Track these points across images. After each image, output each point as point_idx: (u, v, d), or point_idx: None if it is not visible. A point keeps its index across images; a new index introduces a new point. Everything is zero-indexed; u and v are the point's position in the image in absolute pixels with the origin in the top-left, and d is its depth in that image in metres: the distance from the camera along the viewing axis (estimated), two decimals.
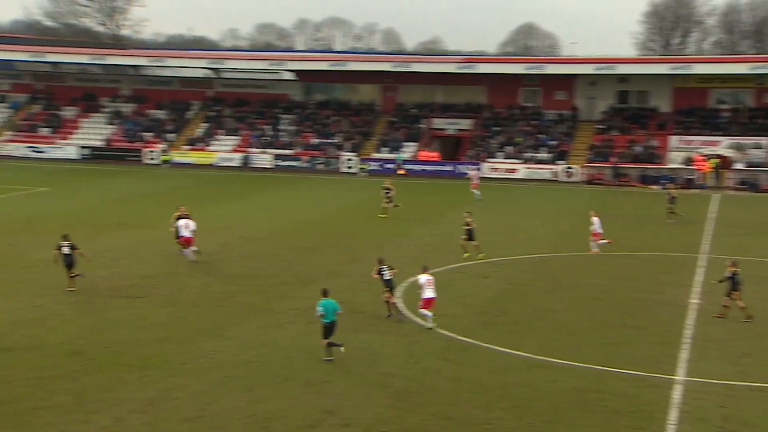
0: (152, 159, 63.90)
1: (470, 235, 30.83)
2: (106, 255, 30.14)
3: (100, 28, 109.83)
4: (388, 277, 22.84)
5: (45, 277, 26.45)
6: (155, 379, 17.92)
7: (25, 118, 70.63)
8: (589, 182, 56.91)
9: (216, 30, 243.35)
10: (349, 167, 61.08)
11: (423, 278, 22.32)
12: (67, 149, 65.76)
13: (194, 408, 16.48)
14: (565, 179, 57.90)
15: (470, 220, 31.13)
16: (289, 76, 71.80)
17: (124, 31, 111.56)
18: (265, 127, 67.31)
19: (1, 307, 23.04)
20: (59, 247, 25.21)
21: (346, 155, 62.19)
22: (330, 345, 19.37)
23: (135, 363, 18.81)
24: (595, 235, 32.24)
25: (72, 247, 25.29)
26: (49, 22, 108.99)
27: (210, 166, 62.44)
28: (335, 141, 64.61)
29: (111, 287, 25.63)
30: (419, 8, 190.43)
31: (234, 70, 72.14)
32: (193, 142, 65.82)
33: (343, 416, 16.31)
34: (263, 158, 62.96)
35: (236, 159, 62.87)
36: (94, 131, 68.06)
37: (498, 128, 64.41)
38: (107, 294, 24.79)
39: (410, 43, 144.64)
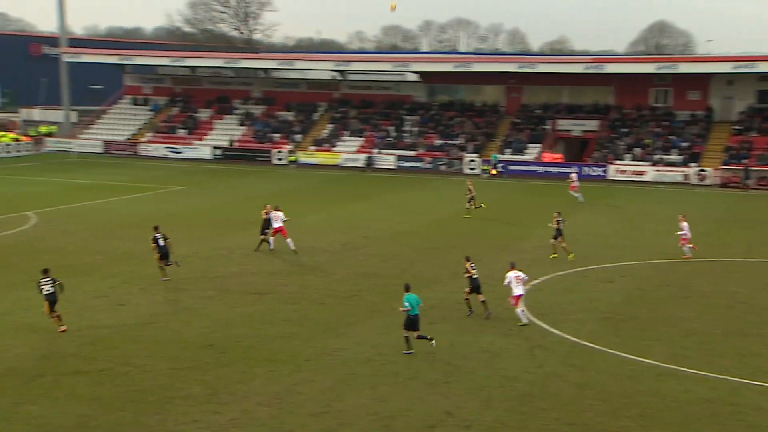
0: (280, 159, 65.68)
1: (559, 235, 30.54)
2: (236, 252, 31.20)
3: (235, 33, 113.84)
4: (475, 276, 22.90)
5: (179, 273, 27.65)
6: (282, 373, 18.40)
7: (164, 119, 74.11)
8: (724, 185, 54.39)
9: (343, 33, 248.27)
10: (472, 168, 60.78)
11: (512, 275, 22.34)
12: (202, 149, 68.51)
13: (319, 404, 16.81)
14: (698, 182, 55.54)
15: (559, 219, 30.81)
16: (413, 77, 72.19)
17: (257, 36, 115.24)
18: (389, 128, 67.93)
19: (141, 301, 24.25)
20: (155, 239, 26.53)
21: (468, 156, 61.93)
22: (420, 338, 19.79)
23: (263, 357, 19.38)
24: (683, 240, 31.01)
25: (165, 239, 26.69)
26: (188, 29, 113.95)
27: (335, 166, 63.58)
28: (458, 142, 64.45)
29: (240, 284, 26.50)
30: (545, 8, 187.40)
31: (359, 72, 73.31)
32: (319, 143, 67.22)
33: (464, 418, 16.25)
34: (386, 159, 63.57)
35: (360, 160, 63.76)
36: (226, 132, 70.64)
37: (626, 129, 62.52)
38: (237, 290, 25.64)
39: (536, 43, 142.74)
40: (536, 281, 27.18)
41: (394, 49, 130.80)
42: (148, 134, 72.04)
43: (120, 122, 75.06)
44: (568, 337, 21.31)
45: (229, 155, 67.27)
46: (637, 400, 17.17)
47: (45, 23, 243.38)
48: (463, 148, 63.42)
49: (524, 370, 18.93)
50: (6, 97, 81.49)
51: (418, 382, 18.10)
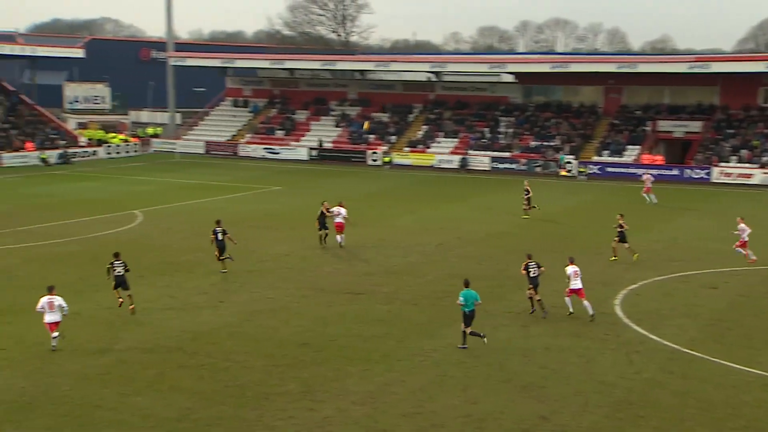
0: (375, 160, 66.16)
1: (622, 238, 29.99)
2: (331, 252, 31.58)
3: (332, 36, 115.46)
4: (534, 275, 22.84)
5: (277, 271, 28.24)
6: (376, 373, 18.54)
7: (263, 121, 75.78)
8: None
9: (439, 34, 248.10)
10: (568, 170, 59.72)
11: (570, 269, 22.73)
12: (299, 150, 69.71)
13: (412, 404, 16.86)
14: None
15: (622, 221, 30.18)
16: (509, 78, 71.49)
17: (353, 38, 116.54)
18: (483, 129, 67.48)
19: (240, 298, 24.86)
20: (215, 233, 27.51)
21: (565, 158, 60.88)
22: (472, 334, 20.01)
23: (357, 357, 19.57)
24: (742, 243, 29.91)
25: (224, 233, 27.65)
26: (287, 32, 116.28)
27: (429, 167, 63.60)
28: (554, 144, 63.45)
29: (335, 283, 26.83)
30: (647, 6, 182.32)
31: (455, 73, 73.10)
32: (413, 144, 67.37)
33: (559, 423, 15.99)
34: (481, 160, 63.16)
35: (454, 161, 63.56)
36: (322, 133, 71.65)
37: (732, 131, 60.18)
38: (332, 289, 25.97)
39: (636, 42, 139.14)
40: (634, 286, 26.51)
41: (490, 50, 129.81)
42: (247, 135, 73.78)
43: (221, 123, 77.18)
44: (667, 343, 20.69)
45: (324, 156, 68.20)
46: (742, 412, 16.51)
47: (154, 29, 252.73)
48: (558, 150, 62.40)
49: (622, 376, 18.48)
50: (117, 100, 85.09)
51: (511, 385, 17.92)
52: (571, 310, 22.85)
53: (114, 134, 73.22)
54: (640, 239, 34.67)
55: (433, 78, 73.45)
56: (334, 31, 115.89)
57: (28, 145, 63.50)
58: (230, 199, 46.20)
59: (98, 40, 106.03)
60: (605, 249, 31.99)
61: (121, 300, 22.66)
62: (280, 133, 73.03)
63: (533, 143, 64.10)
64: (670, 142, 62.25)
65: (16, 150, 62.41)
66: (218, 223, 28.27)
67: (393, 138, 69.05)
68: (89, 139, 70.29)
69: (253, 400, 16.88)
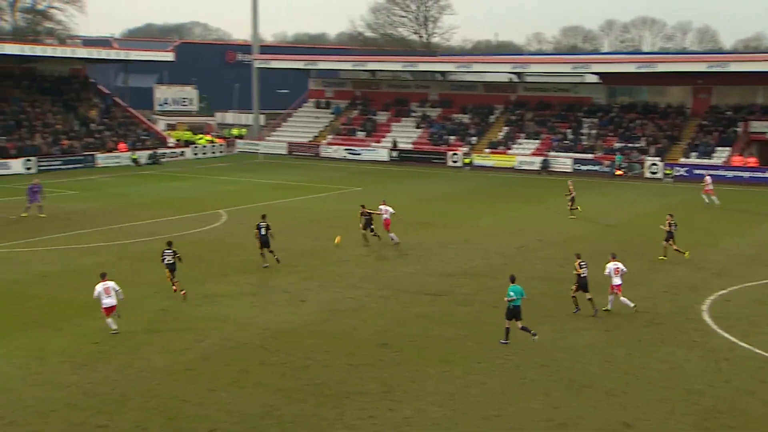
0: (455, 162, 65.92)
1: (669, 236, 29.56)
2: (411, 253, 31.65)
3: (414, 37, 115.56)
4: (582, 275, 22.80)
5: (356, 271, 28.44)
6: (455, 375, 18.47)
7: (344, 122, 76.48)
8: None
9: (521, 35, 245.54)
10: (654, 172, 58.24)
11: (611, 266, 23.07)
12: (379, 151, 70.04)
13: (492, 407, 16.73)
14: None
15: (671, 222, 29.70)
16: (593, 79, 70.19)
17: (435, 39, 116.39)
18: (566, 130, 66.45)
19: (321, 297, 25.14)
20: (258, 227, 28.26)
21: (650, 160, 59.41)
22: (523, 329, 20.37)
23: (437, 358, 19.54)
24: None
25: (267, 228, 28.27)
26: (369, 33, 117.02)
27: (510, 169, 63.00)
28: (639, 145, 61.96)
29: (415, 284, 26.85)
30: (739, 4, 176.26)
31: (537, 74, 72.20)
32: (494, 146, 66.86)
33: (643, 430, 15.61)
34: (563, 162, 62.20)
35: (536, 163, 62.77)
36: (403, 134, 71.82)
37: None
38: (412, 290, 26.00)
39: (728, 41, 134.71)
40: (723, 291, 25.68)
41: (573, 51, 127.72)
42: (329, 136, 74.57)
43: (303, 125, 78.24)
44: (759, 351, 19.95)
45: (405, 157, 68.33)
46: None
47: (240, 32, 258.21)
48: (644, 152, 60.90)
49: (709, 384, 17.92)
50: (204, 101, 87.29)
51: (593, 390, 17.59)
52: (609, 307, 23.10)
53: (201, 135, 75.13)
54: (731, 244, 33.62)
55: (515, 79, 72.72)
56: (415, 33, 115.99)
57: (121, 145, 65.71)
58: (312, 200, 46.79)
59: (187, 43, 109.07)
60: (694, 255, 31.06)
61: (174, 288, 24.49)
62: (361, 134, 73.55)
63: (617, 144, 62.74)
64: (764, 144, 59.98)
65: (110, 151, 64.67)
66: (263, 217, 29.05)
67: (473, 139, 68.67)
68: (177, 140, 72.35)
69: (333, 399, 17.05)
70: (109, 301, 21.06)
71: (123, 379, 18.02)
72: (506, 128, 68.92)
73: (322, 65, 78.95)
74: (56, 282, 26.44)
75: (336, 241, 32.18)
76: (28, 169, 57.26)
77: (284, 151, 73.58)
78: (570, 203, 40.41)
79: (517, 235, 35.25)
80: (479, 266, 29.46)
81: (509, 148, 66.11)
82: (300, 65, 79.35)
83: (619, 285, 23.05)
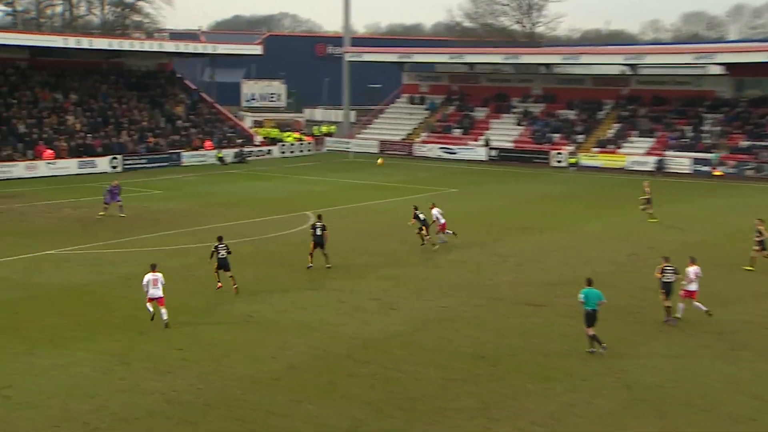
0: (559, 162, 64.98)
1: (763, 246, 28.55)
2: (510, 260, 31.37)
3: (516, 27, 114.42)
4: (668, 280, 22.58)
5: (450, 278, 28.37)
6: (557, 392, 18.22)
7: (440, 119, 76.48)
8: None
9: (636, 22, 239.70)
10: (722, 171, 56.04)
11: (691, 270, 22.95)
12: (477, 150, 69.73)
13: (599, 428, 16.42)
14: None
15: (762, 228, 28.62)
16: (717, 70, 67.89)
17: (539, 29, 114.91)
18: (684, 127, 64.59)
19: (413, 305, 25.20)
20: (314, 227, 29.33)
21: (718, 156, 57.18)
22: (592, 338, 20.39)
23: (537, 373, 19.31)
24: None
25: (323, 228, 29.14)
26: (467, 23, 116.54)
27: (620, 169, 61.67)
28: None
29: (514, 293, 26.61)
30: None
31: (653, 65, 70.33)
32: (603, 144, 65.60)
33: None
34: (680, 162, 60.47)
35: (649, 163, 61.23)
36: (502, 132, 71.28)
37: None
38: (510, 300, 25.78)
39: None
40: None
41: (695, 39, 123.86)
42: (423, 134, 74.72)
43: (396, 122, 78.66)
44: None
45: (504, 157, 67.80)
46: None
47: (331, 23, 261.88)
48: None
49: None
50: (292, 97, 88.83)
51: (715, 414, 17.04)
52: (679, 315, 22.98)
53: (288, 133, 76.51)
54: None
55: (628, 71, 71.12)
56: (518, 22, 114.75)
57: (207, 143, 67.51)
58: (404, 201, 46.96)
59: (275, 36, 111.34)
60: None
61: (220, 284, 25.82)
62: (457, 132, 73.41)
63: (744, 143, 60.53)
64: None
65: (195, 149, 66.56)
66: (319, 218, 30.00)
67: (580, 137, 67.55)
68: (264, 138, 73.91)
69: (425, 415, 17.07)
70: (155, 292, 22.67)
71: (207, 388, 18.50)
72: (616, 125, 67.51)
73: (416, 58, 79.17)
74: (140, 284, 27.33)
75: (379, 162, 32.99)
76: (114, 167, 59.52)
77: (375, 150, 74.10)
78: (645, 206, 39.48)
79: (627, 242, 34.49)
80: (584, 275, 28.86)
81: (619, 147, 64.73)
82: (393, 58, 79.79)
83: (695, 291, 23.04)
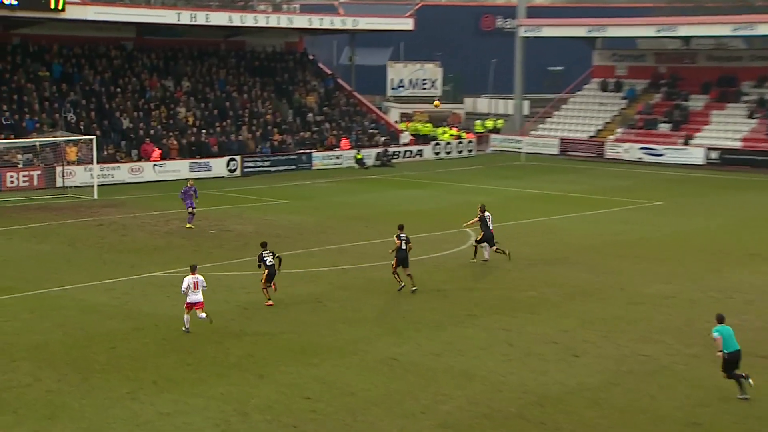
0: None
1: None
2: (735, 296, 30.46)
3: None
4: None
5: (655, 318, 27.76)
6: None
7: (641, 110, 75.01)
8: None
9: None
10: None
11: None
12: (691, 151, 67.94)
13: None
14: None
15: None
16: None
17: None
18: None
19: (603, 352, 24.77)
20: (399, 238, 30.60)
21: None
22: (736, 377, 21.01)
23: None
24: None
25: (407, 242, 30.63)
26: None
27: None
28: None
29: (743, 341, 25.56)
30: None
31: None
32: None
33: None
34: None
35: None
36: (728, 127, 69.14)
37: None
38: None
39: None
40: None
41: None
42: (619, 130, 73.57)
43: (582, 115, 77.87)
44: None
45: (729, 159, 65.83)
46: None
47: None
48: None
49: None
50: (450, 83, 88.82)
51: None
52: None
53: (444, 128, 76.56)
54: None
55: None
56: None
57: (344, 142, 68.59)
58: (589, 217, 46.32)
59: (430, 6, 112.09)
60: None
61: (270, 302, 28.48)
62: (665, 127, 71.94)
63: None
64: None
65: (329, 149, 67.86)
66: (401, 228, 31.34)
67: None
68: (413, 135, 74.44)
69: None
70: (195, 297, 25.35)
71: None
72: None
73: (612, 32, 78.08)
74: (260, 315, 28.16)
75: (435, 104, 33.45)
76: (232, 171, 61.52)
77: (555, 151, 73.64)
78: None
79: None
80: None
81: None
82: (581, 32, 79.09)
83: None
